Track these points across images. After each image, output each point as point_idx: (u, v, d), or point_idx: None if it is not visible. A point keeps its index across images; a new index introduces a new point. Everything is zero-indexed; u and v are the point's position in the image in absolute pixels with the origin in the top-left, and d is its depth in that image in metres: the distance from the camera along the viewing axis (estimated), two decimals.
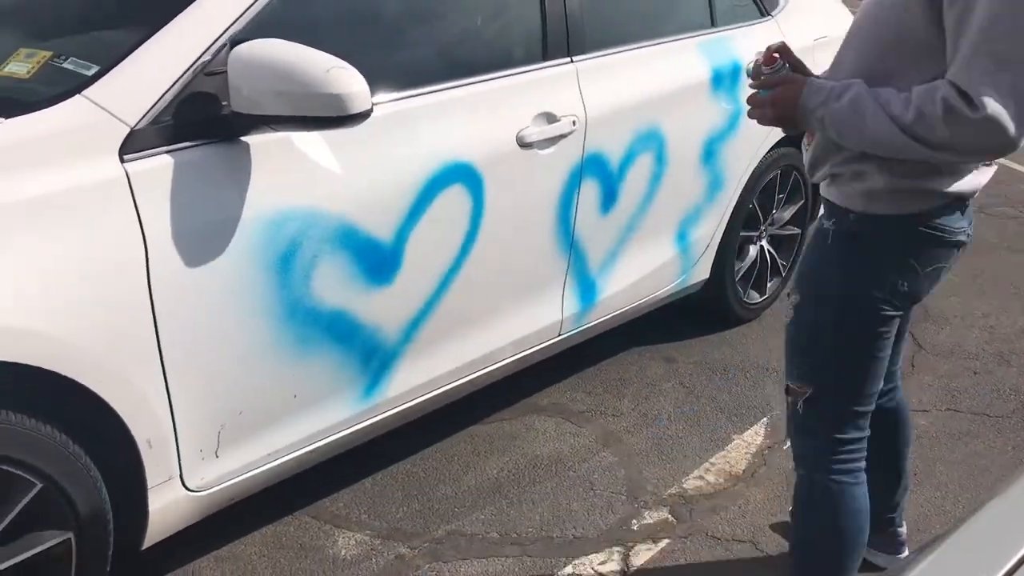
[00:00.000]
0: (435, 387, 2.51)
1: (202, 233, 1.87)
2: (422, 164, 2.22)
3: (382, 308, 2.26)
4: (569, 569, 2.39)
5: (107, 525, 1.92)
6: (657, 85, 2.85)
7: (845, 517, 1.94)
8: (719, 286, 3.46)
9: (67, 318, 1.69)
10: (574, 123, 2.55)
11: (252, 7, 1.97)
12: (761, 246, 3.63)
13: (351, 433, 2.35)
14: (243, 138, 1.93)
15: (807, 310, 1.85)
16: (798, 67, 1.82)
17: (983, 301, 4.02)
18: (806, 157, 1.87)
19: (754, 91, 1.75)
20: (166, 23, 1.90)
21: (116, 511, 1.94)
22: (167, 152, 1.83)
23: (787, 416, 1.99)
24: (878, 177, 1.69)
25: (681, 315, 3.59)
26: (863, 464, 1.94)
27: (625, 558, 2.45)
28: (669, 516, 2.62)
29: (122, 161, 1.77)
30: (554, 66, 2.57)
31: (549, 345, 2.84)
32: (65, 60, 1.88)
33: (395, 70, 2.24)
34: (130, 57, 1.84)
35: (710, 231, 3.27)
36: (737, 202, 3.33)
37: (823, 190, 1.87)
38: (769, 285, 3.73)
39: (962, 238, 1.77)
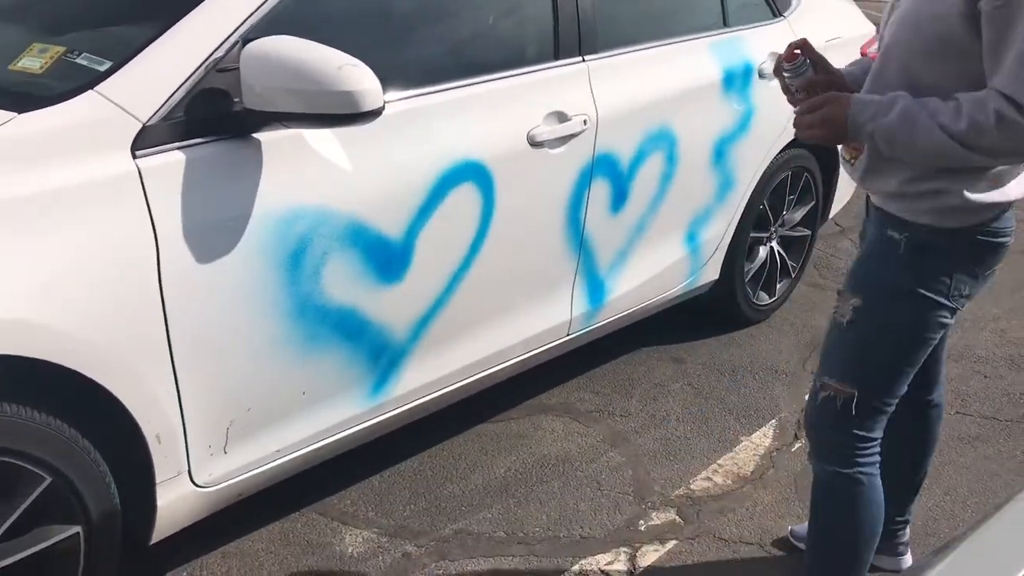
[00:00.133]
0: (443, 385, 2.51)
1: (213, 229, 1.87)
2: (433, 162, 2.22)
3: (391, 306, 2.26)
4: (576, 569, 2.39)
5: (116, 520, 1.92)
6: (668, 85, 2.84)
7: (866, 508, 1.98)
8: (729, 287, 3.45)
9: (77, 313, 1.69)
10: (585, 122, 2.55)
11: (264, 4, 1.97)
12: (771, 247, 3.62)
13: (359, 430, 2.35)
14: (255, 135, 1.93)
15: (873, 314, 1.86)
16: (820, 63, 1.84)
17: (994, 304, 4.00)
18: (853, 170, 1.88)
19: (802, 113, 1.75)
20: (178, 19, 1.90)
21: (125, 506, 1.94)
22: (179, 148, 1.83)
23: (812, 410, 1.99)
24: (956, 196, 1.72)
25: (689, 316, 3.58)
26: (879, 458, 1.98)
27: (632, 559, 2.45)
28: (676, 517, 2.61)
29: (134, 157, 1.77)
30: (566, 65, 2.57)
31: (558, 344, 2.84)
32: (78, 55, 1.88)
33: (406, 68, 2.24)
34: (143, 53, 1.84)
35: (720, 232, 3.26)
36: (748, 203, 3.32)
37: (881, 202, 1.86)
38: (779, 286, 3.72)
39: (1011, 238, 1.81)
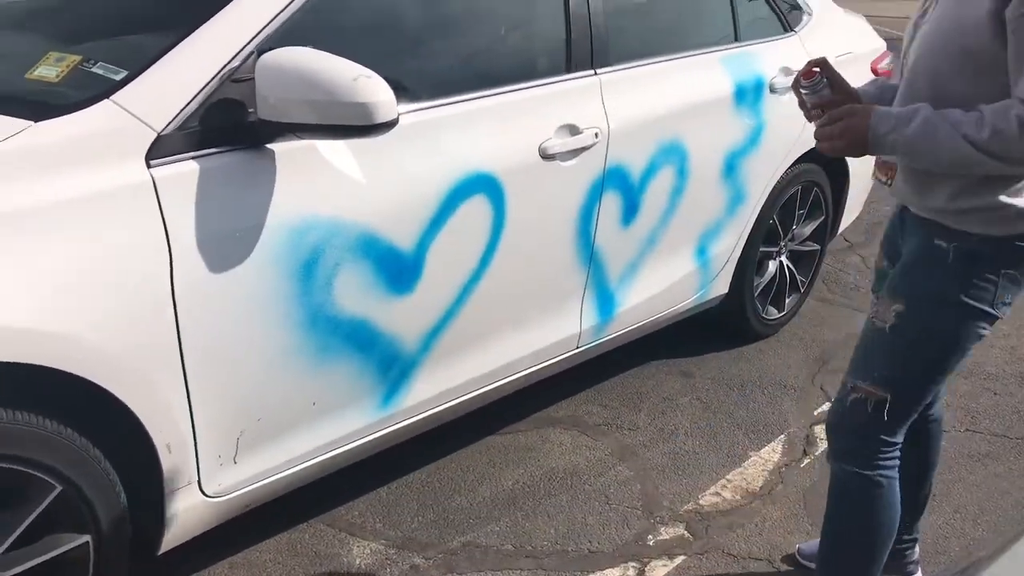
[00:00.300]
0: (453, 397, 2.51)
1: (226, 239, 1.87)
2: (445, 174, 2.23)
3: (402, 317, 2.26)
4: None
5: (125, 529, 1.92)
6: (680, 99, 2.85)
7: (885, 510, 2.01)
8: (738, 301, 3.45)
9: (91, 321, 1.69)
10: (596, 135, 2.55)
11: (280, 15, 1.98)
12: (780, 261, 3.62)
13: (369, 442, 2.35)
14: (268, 145, 1.93)
15: (917, 321, 1.86)
16: (837, 82, 1.85)
17: (1004, 322, 3.97)
18: (894, 191, 1.91)
19: (823, 126, 1.76)
20: (193, 29, 1.91)
21: (134, 515, 1.94)
22: (193, 158, 1.84)
23: (840, 411, 1.99)
24: (1006, 206, 1.73)
25: (699, 329, 3.57)
26: (899, 462, 2.00)
27: (641, 573, 2.44)
28: (685, 532, 2.60)
29: (149, 166, 1.77)
30: (578, 78, 2.57)
31: (567, 357, 2.83)
32: (94, 64, 1.89)
33: (419, 79, 2.25)
34: (158, 63, 1.85)
35: (730, 246, 3.26)
36: (758, 217, 3.32)
37: (926, 213, 1.86)
38: (788, 301, 3.72)
39: None
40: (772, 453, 2.98)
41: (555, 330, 2.72)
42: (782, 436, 3.07)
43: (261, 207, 1.92)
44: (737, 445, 3.01)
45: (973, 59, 1.66)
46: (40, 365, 1.63)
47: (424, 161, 2.19)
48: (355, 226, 2.07)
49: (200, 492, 2.02)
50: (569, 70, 2.56)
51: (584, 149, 2.53)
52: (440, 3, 2.37)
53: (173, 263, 1.79)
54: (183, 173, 1.82)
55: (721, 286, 3.34)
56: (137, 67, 1.85)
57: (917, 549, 2.36)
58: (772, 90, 3.17)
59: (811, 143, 3.34)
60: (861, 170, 3.74)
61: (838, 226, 3.88)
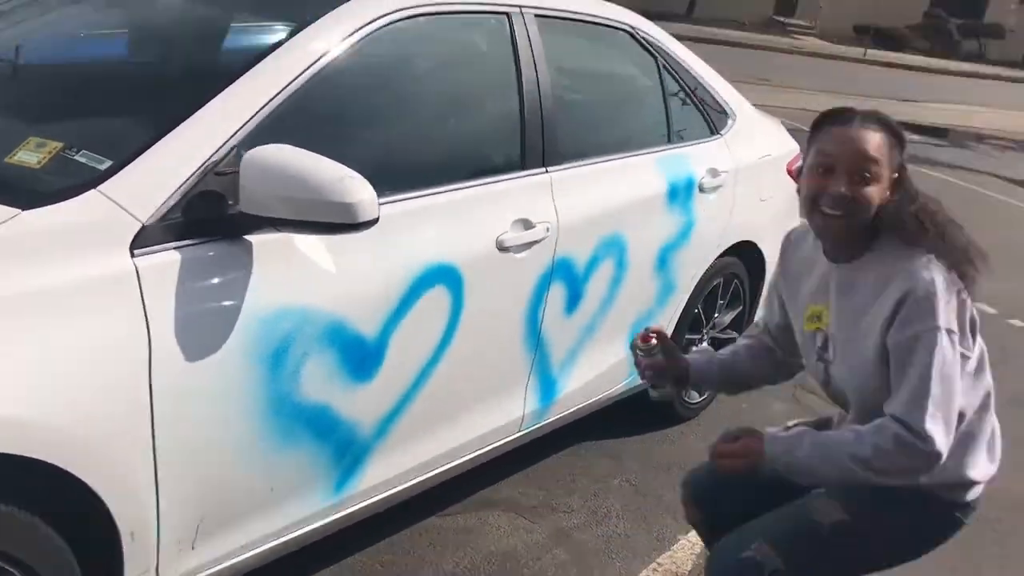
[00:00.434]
0: (402, 482, 2.55)
1: (204, 329, 1.90)
2: (410, 265, 2.31)
3: (361, 404, 2.31)
4: None
5: None
6: (620, 196, 3.01)
7: None
8: None
9: (69, 409, 1.69)
10: (547, 229, 2.68)
11: (260, 112, 2.05)
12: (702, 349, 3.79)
13: (321, 525, 2.36)
14: (246, 236, 1.98)
15: (857, 528, 1.96)
16: (669, 350, 2.21)
17: None
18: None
19: (722, 453, 1.93)
20: (177, 123, 1.96)
21: None
22: (175, 248, 1.87)
23: (730, 566, 2.00)
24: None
25: (625, 413, 3.69)
26: None
27: None
28: None
29: (132, 255, 1.80)
30: (531, 175, 2.70)
31: (510, 440, 2.91)
32: (76, 152, 1.92)
33: (389, 175, 2.33)
34: (144, 155, 1.89)
35: None
36: (685, 306, 3.49)
37: None
38: None
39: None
40: (699, 537, 3.09)
41: (500, 414, 2.80)
42: None
43: (238, 297, 1.96)
44: (667, 528, 3.12)
45: (877, 364, 1.88)
46: (19, 455, 1.62)
47: (392, 252, 2.27)
48: (325, 315, 2.12)
49: None
50: (523, 167, 2.69)
51: (536, 242, 2.65)
52: (407, 103, 2.47)
53: (152, 352, 1.81)
54: (165, 263, 1.85)
55: None
56: (121, 157, 1.89)
57: None
58: (701, 189, 3.37)
59: (733, 239, 3.59)
60: (774, 265, 3.97)
61: (754, 315, 4.09)
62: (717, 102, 3.68)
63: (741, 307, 3.92)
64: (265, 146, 1.94)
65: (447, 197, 2.45)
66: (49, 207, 1.75)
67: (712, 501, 2.27)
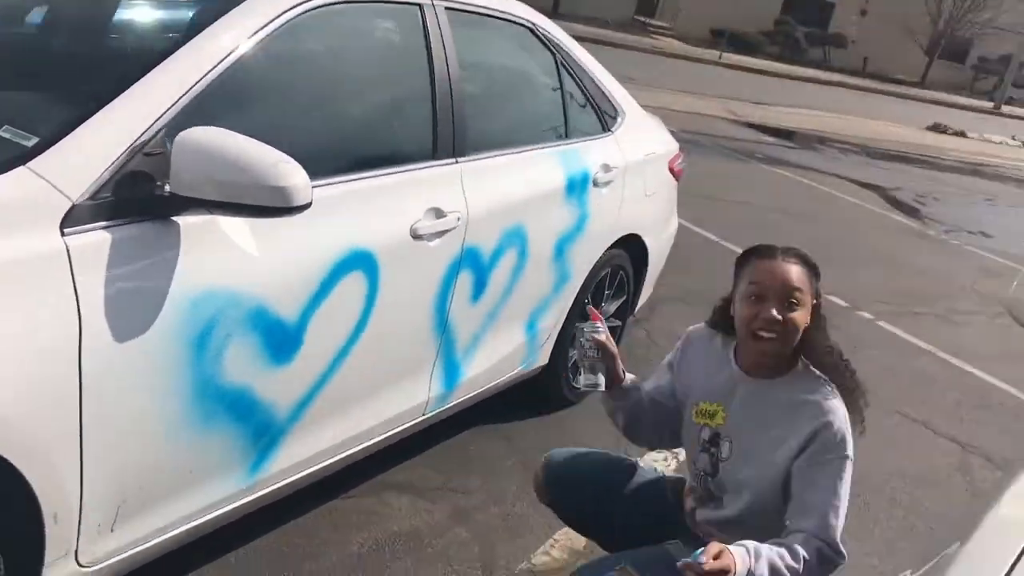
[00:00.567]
0: (313, 464, 2.59)
1: (133, 310, 1.89)
2: (331, 250, 2.34)
3: (279, 387, 2.33)
4: None
5: None
6: (524, 188, 3.12)
7: None
8: (555, 371, 3.74)
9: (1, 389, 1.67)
10: (458, 219, 2.76)
11: (189, 93, 2.04)
12: None
13: (235, 507, 2.38)
14: (175, 218, 1.98)
15: None
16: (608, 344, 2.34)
17: None
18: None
19: (712, 569, 1.89)
20: (105, 102, 1.94)
21: None
22: (105, 228, 1.86)
23: None
24: None
25: (516, 396, 3.81)
26: None
27: None
28: None
29: (63, 234, 1.78)
30: (443, 165, 2.78)
31: (414, 424, 2.98)
32: (0, 128, 1.87)
33: (308, 160, 2.35)
34: (74, 132, 1.86)
35: (553, 321, 3.55)
36: (576, 295, 3.63)
37: None
38: None
39: None
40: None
41: (407, 398, 2.87)
42: None
43: (166, 279, 1.96)
44: None
45: (781, 494, 2.12)
46: None
47: (314, 237, 2.30)
48: (249, 298, 2.14)
49: (75, 562, 1.99)
50: (435, 157, 2.76)
51: (448, 231, 2.72)
52: (327, 89, 2.50)
53: (82, 332, 1.80)
54: (96, 243, 1.84)
55: (543, 357, 3.61)
56: (49, 134, 1.86)
57: None
58: (595, 184, 3.52)
59: (621, 232, 3.76)
60: (655, 257, 4.18)
61: (636, 304, 4.29)
62: (608, 100, 3.83)
63: (625, 296, 4.10)
64: (198, 128, 1.94)
65: (365, 184, 2.49)
66: None
67: (560, 489, 2.52)
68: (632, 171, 3.80)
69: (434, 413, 3.06)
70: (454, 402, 3.14)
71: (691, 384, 2.35)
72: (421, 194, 2.66)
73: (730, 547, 1.94)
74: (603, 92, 3.80)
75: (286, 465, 2.48)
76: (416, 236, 2.61)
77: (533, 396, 3.84)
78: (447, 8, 2.91)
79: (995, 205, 12.96)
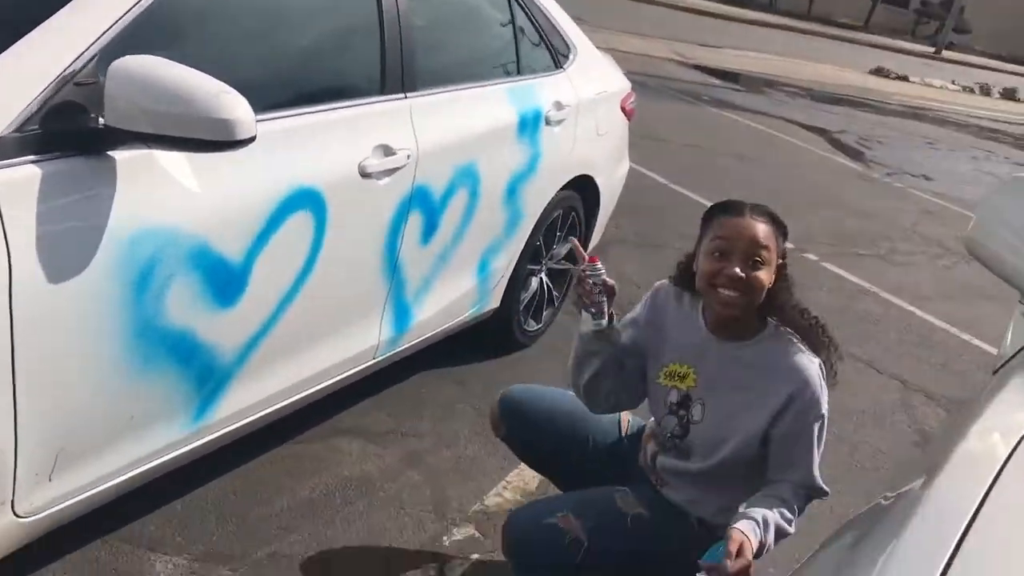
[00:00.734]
0: (260, 409, 2.52)
1: (67, 249, 1.80)
2: (275, 187, 2.25)
3: (224, 329, 2.26)
4: None
5: None
6: (475, 125, 3.04)
7: None
8: (507, 314, 3.69)
9: None
10: (408, 156, 2.67)
11: (122, 19, 1.92)
12: (541, 278, 3.91)
13: (180, 454, 2.31)
14: (110, 152, 1.88)
15: (655, 526, 2.20)
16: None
17: None
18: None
19: (736, 570, 1.87)
20: (30, 28, 1.81)
21: None
22: (34, 162, 1.75)
23: (531, 524, 2.18)
24: None
25: (467, 340, 3.77)
26: None
27: (440, 572, 2.59)
28: (476, 532, 2.78)
29: None
30: (392, 100, 2.68)
31: (365, 368, 2.92)
32: None
33: (252, 93, 2.24)
34: None
35: (505, 263, 3.49)
36: (528, 237, 3.58)
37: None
38: (545, 314, 4.02)
39: None
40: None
41: (357, 342, 2.80)
42: None
43: (102, 216, 1.86)
44: None
45: (756, 453, 2.15)
46: None
47: (258, 173, 2.21)
48: (190, 237, 2.05)
49: (12, 512, 1.91)
50: (383, 91, 2.66)
51: (397, 169, 2.64)
52: (269, 20, 2.38)
53: (12, 273, 1.70)
54: (24, 177, 1.73)
55: (495, 300, 3.56)
56: None
57: None
58: (547, 122, 3.45)
59: (574, 172, 3.70)
60: (607, 199, 4.14)
61: (588, 247, 4.25)
62: (560, 36, 3.74)
63: (578, 238, 4.05)
64: (133, 56, 1.83)
65: (311, 119, 2.39)
66: None
67: (516, 424, 2.49)
68: (584, 110, 3.73)
69: (385, 357, 3.00)
70: (405, 345, 3.09)
71: (659, 344, 2.28)
72: (369, 130, 2.57)
73: (740, 525, 1.95)
74: (555, 28, 3.71)
75: (232, 411, 2.41)
76: (365, 174, 2.52)
77: (485, 339, 3.81)
78: None
79: (936, 149, 13.14)
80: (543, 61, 3.60)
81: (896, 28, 39.49)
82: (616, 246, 5.34)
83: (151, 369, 2.09)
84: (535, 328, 3.98)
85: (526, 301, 3.83)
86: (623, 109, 4.12)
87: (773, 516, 2.01)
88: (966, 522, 1.01)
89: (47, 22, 1.83)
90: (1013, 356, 1.91)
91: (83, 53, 1.84)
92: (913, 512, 1.07)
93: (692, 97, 12.25)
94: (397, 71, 2.71)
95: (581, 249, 2.30)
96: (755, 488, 2.12)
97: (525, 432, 2.49)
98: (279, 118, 2.29)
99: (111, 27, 1.90)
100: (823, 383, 2.13)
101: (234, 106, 1.83)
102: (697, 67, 15.30)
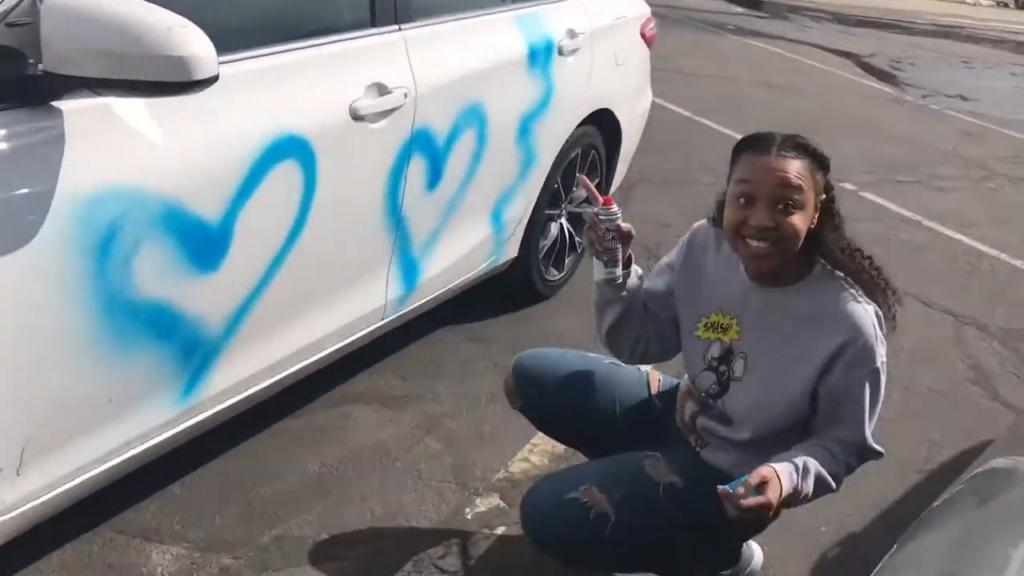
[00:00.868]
0: (258, 381, 2.31)
1: (12, 213, 1.57)
2: (255, 136, 2.01)
3: (207, 298, 2.03)
4: (408, 567, 2.29)
5: None
6: (480, 58, 2.77)
7: None
8: (526, 264, 3.45)
9: None
10: (405, 95, 2.41)
11: None
12: (561, 224, 3.65)
13: (170, 436, 2.10)
14: (55, 103, 1.64)
15: (688, 496, 1.95)
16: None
17: None
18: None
19: (750, 506, 1.71)
20: None
21: None
22: None
23: (552, 502, 1.96)
24: None
25: (484, 293, 3.53)
26: None
27: (464, 549, 2.38)
28: (501, 502, 2.57)
29: None
30: (384, 33, 2.41)
31: (372, 330, 2.69)
32: None
33: (222, 30, 1.99)
34: None
35: (521, 209, 3.23)
36: (545, 180, 3.31)
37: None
38: (567, 262, 3.76)
39: None
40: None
41: (362, 303, 2.57)
42: None
43: (50, 175, 1.63)
44: None
45: (800, 416, 1.93)
46: None
47: (232, 121, 1.97)
48: (158, 196, 1.82)
49: None
50: (374, 24, 2.39)
51: (394, 110, 2.38)
52: None
53: None
54: None
55: (512, 250, 3.31)
56: None
57: None
58: (560, 52, 3.16)
59: (592, 106, 3.42)
60: (629, 135, 3.85)
61: (610, 188, 3.98)
62: None
63: (598, 179, 3.77)
64: None
65: (292, 57, 2.14)
66: None
67: (533, 393, 2.25)
68: (601, 37, 3.43)
69: (394, 317, 2.77)
70: (415, 304, 2.85)
71: (697, 293, 2.02)
72: (360, 68, 2.31)
73: (776, 465, 1.75)
74: None
75: (226, 385, 2.20)
76: (357, 117, 2.27)
77: (504, 292, 3.56)
78: None
79: (972, 68, 12.61)
80: None
81: None
82: (642, 187, 5.04)
83: (126, 346, 1.87)
84: (557, 277, 3.72)
85: (546, 249, 3.58)
86: (643, 35, 3.81)
87: (815, 465, 1.82)
88: None
89: None
90: None
91: None
92: None
93: (715, 27, 11.81)
94: (389, 0, 2.43)
95: (593, 189, 2.04)
96: None
97: (543, 401, 2.24)
98: (256, 57, 2.03)
99: None
100: (879, 332, 1.87)
101: (189, 41, 1.58)
102: None
